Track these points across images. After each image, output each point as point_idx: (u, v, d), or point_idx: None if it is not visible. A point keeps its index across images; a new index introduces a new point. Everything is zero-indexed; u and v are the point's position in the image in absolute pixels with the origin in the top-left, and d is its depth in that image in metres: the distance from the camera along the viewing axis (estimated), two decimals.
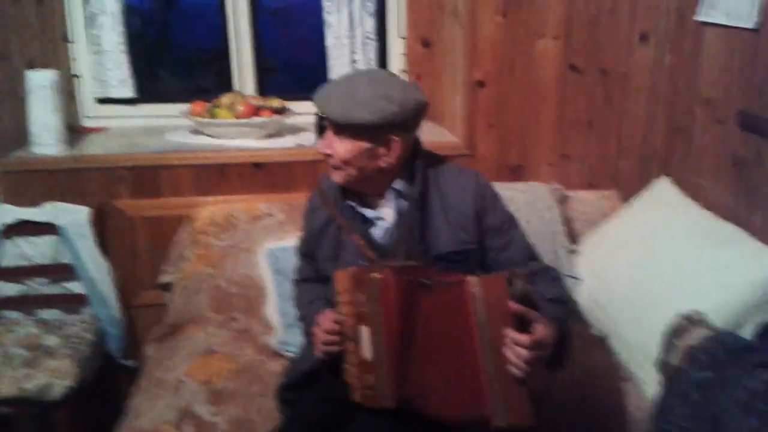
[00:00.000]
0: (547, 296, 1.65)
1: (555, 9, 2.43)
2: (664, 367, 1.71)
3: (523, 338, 1.42)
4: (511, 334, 1.43)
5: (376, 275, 1.52)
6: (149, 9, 3.99)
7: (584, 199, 2.53)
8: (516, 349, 1.43)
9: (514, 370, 1.44)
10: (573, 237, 2.46)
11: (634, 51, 2.50)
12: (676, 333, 1.71)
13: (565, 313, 1.68)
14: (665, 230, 2.13)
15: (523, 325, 1.45)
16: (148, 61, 3.69)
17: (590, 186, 2.61)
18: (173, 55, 3.84)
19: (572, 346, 1.60)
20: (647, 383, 1.90)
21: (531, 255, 1.79)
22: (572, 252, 2.38)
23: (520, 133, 2.53)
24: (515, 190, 2.39)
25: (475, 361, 1.47)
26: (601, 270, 2.25)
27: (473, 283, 1.45)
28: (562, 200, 2.48)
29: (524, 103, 2.50)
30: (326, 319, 1.65)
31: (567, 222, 2.46)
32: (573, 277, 2.30)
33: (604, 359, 2.06)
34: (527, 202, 2.37)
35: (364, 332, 1.54)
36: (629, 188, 2.56)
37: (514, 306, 1.43)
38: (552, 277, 1.76)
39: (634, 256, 2.15)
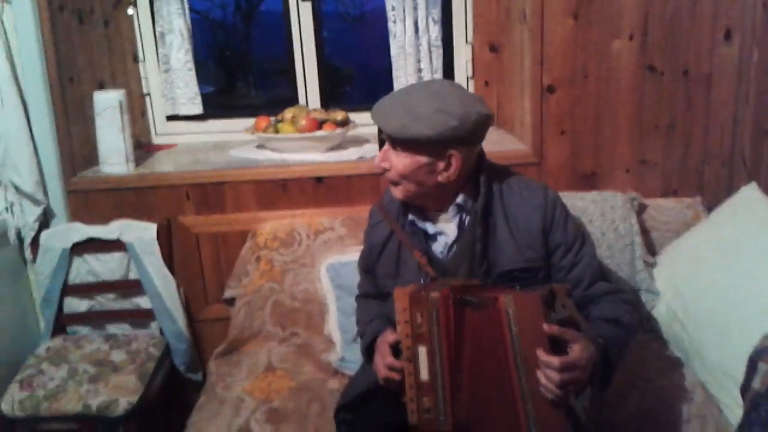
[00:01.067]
0: (606, 316, 1.56)
1: (630, 8, 2.29)
2: (747, 392, 1.57)
3: (554, 360, 1.36)
4: (542, 355, 1.38)
5: (434, 295, 1.47)
6: (231, 23, 4.05)
7: (664, 208, 2.36)
8: (547, 371, 1.37)
9: (546, 392, 1.38)
10: (652, 248, 2.31)
11: (718, 49, 2.33)
12: (761, 355, 1.57)
13: (622, 334, 1.58)
14: (752, 241, 1.96)
15: (561, 345, 1.39)
16: (225, 75, 3.75)
17: (672, 193, 2.44)
18: (251, 68, 3.88)
19: (617, 366, 1.52)
20: (730, 408, 1.75)
21: (601, 275, 1.69)
22: (651, 265, 2.22)
23: (594, 139, 2.39)
24: (588, 201, 2.25)
25: (511, 380, 1.42)
26: (681, 284, 2.09)
27: (506, 300, 1.40)
28: (640, 209, 2.32)
29: (598, 108, 2.36)
30: (386, 346, 1.60)
31: (645, 232, 2.31)
32: (651, 292, 2.16)
33: (681, 381, 1.91)
34: (601, 212, 2.23)
35: (422, 353, 1.50)
36: (714, 196, 2.39)
37: (547, 327, 1.37)
38: (622, 299, 1.64)
39: (718, 269, 1.99)
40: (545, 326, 1.37)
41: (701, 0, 2.29)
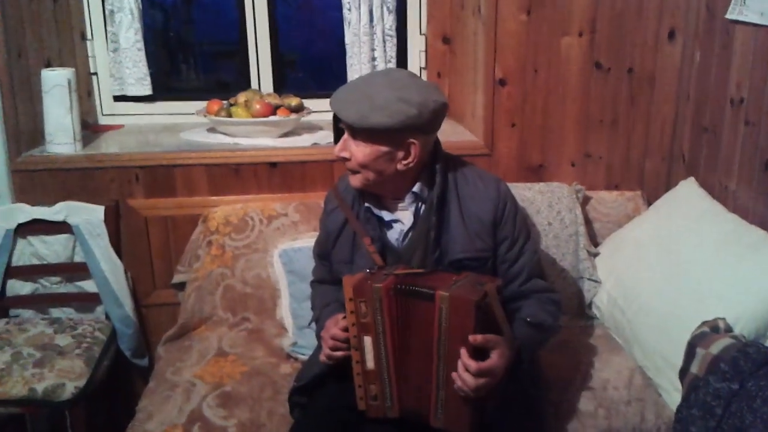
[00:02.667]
0: (530, 318, 1.63)
1: (581, 5, 2.36)
2: (685, 376, 1.66)
3: (471, 364, 1.42)
4: (464, 356, 1.43)
5: (377, 285, 1.50)
6: (172, 4, 3.95)
7: (607, 200, 2.46)
8: (463, 374, 1.43)
9: (459, 390, 1.45)
10: (594, 239, 2.40)
11: (662, 49, 2.43)
12: (699, 341, 1.66)
13: (540, 337, 1.67)
14: (690, 233, 2.06)
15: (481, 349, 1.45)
16: (168, 55, 3.67)
17: (614, 187, 2.53)
18: (194, 48, 3.80)
19: (525, 362, 1.59)
20: (668, 392, 1.84)
21: (538, 273, 1.76)
22: (593, 254, 2.31)
23: (542, 132, 2.46)
24: (536, 191, 2.32)
25: (430, 362, 1.48)
26: (622, 273, 2.18)
27: (442, 297, 1.44)
28: (585, 201, 2.41)
29: (547, 102, 2.43)
30: (335, 325, 1.62)
31: (588, 223, 2.39)
32: (593, 281, 2.24)
33: (621, 365, 1.99)
34: (548, 202, 2.30)
35: (367, 342, 1.54)
36: (654, 190, 2.50)
37: (473, 338, 1.42)
38: (550, 299, 1.72)
39: (657, 259, 2.08)
40: (471, 337, 1.42)
41: (647, 0, 2.38)
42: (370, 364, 1.52)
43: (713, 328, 1.69)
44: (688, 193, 2.25)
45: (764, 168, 1.96)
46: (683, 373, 1.66)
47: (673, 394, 1.79)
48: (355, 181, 1.67)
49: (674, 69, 2.43)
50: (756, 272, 1.77)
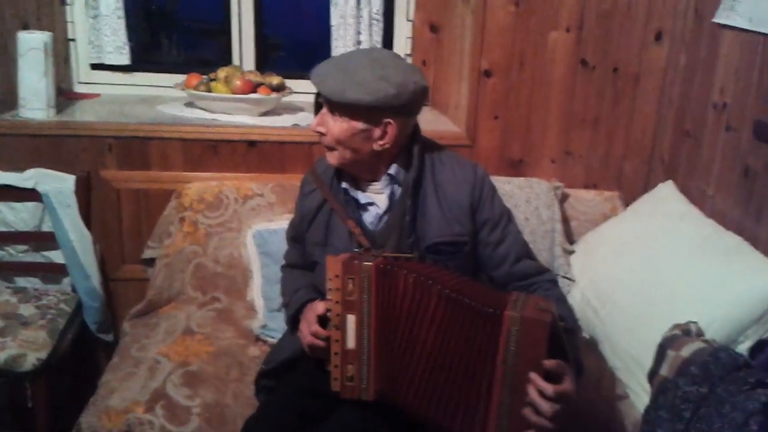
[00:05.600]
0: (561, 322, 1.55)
1: (569, 1, 2.34)
2: (654, 377, 1.66)
3: (549, 388, 1.34)
4: (538, 381, 1.35)
5: (367, 263, 1.47)
6: None
7: (585, 199, 2.46)
8: (536, 398, 1.34)
9: (529, 415, 1.36)
10: (570, 237, 2.40)
11: (648, 50, 2.42)
12: (670, 343, 1.66)
13: (579, 346, 1.61)
14: (667, 236, 2.07)
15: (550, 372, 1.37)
16: (149, 28, 3.60)
17: (592, 186, 2.53)
18: (176, 24, 3.73)
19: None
20: (637, 393, 1.84)
21: (526, 253, 1.74)
22: (569, 252, 2.31)
23: (525, 126, 2.45)
24: (515, 186, 2.32)
25: (491, 390, 1.39)
26: (596, 273, 2.18)
27: (513, 321, 1.35)
28: (563, 198, 2.41)
29: (531, 96, 2.42)
30: (313, 314, 1.59)
31: (565, 221, 2.39)
32: (567, 278, 2.24)
33: (591, 364, 1.99)
34: (526, 198, 2.30)
35: (351, 321, 1.50)
36: (632, 191, 2.50)
37: (551, 363, 1.35)
38: (549, 280, 1.71)
39: (632, 260, 2.08)
40: (546, 362, 1.35)
41: (636, 0, 2.37)
42: (351, 343, 1.49)
43: (685, 331, 1.69)
44: (666, 195, 2.26)
45: (743, 174, 1.97)
46: (652, 374, 1.67)
47: (641, 396, 1.80)
48: (332, 158, 1.65)
49: (659, 71, 2.43)
50: (730, 277, 1.77)
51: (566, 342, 1.42)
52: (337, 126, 1.59)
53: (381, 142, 1.60)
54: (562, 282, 2.24)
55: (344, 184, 1.70)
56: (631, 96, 2.47)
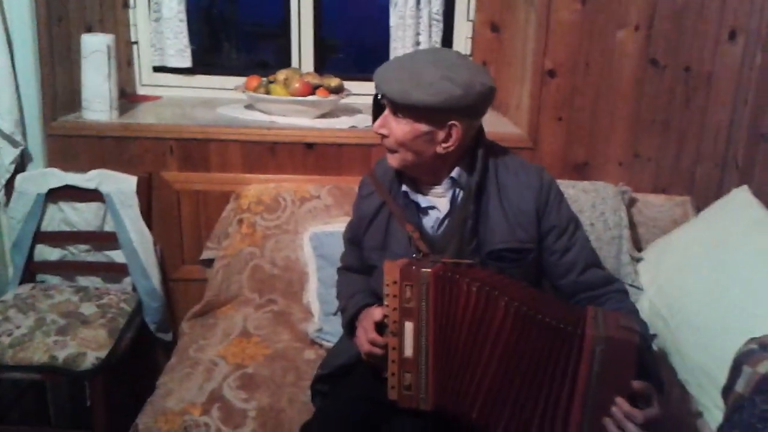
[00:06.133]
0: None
1: None
2: (729, 394, 1.56)
3: (637, 415, 1.28)
4: (624, 406, 1.29)
5: (425, 270, 1.42)
6: None
7: (654, 204, 2.35)
8: (623, 423, 1.29)
9: None
10: (638, 243, 2.30)
11: (721, 49, 2.31)
12: (746, 358, 1.55)
13: (659, 364, 1.55)
14: (741, 244, 1.95)
15: (635, 395, 1.31)
16: (211, 31, 3.64)
17: (662, 190, 2.42)
18: (237, 27, 3.76)
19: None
20: (710, 410, 1.74)
21: (594, 262, 1.67)
22: (637, 259, 2.22)
23: (590, 128, 2.37)
24: (579, 190, 2.23)
25: (569, 411, 1.33)
26: (666, 282, 2.08)
27: (596, 341, 1.29)
28: (630, 203, 2.31)
29: (597, 97, 2.34)
30: (370, 321, 1.56)
31: (633, 227, 2.30)
32: (635, 287, 2.15)
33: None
34: (592, 202, 2.21)
35: (408, 328, 1.46)
36: (704, 196, 2.38)
37: (639, 385, 1.29)
38: (619, 290, 1.63)
39: (704, 269, 1.97)
40: (635, 383, 1.30)
41: None
42: (408, 351, 1.45)
43: (762, 346, 1.58)
44: (740, 201, 2.13)
45: None
46: (727, 391, 1.56)
47: (714, 412, 1.70)
48: (393, 160, 1.60)
49: (733, 71, 2.32)
50: None
51: (651, 361, 1.34)
52: (400, 128, 1.54)
53: (445, 145, 1.55)
54: (629, 290, 2.15)
55: (404, 187, 1.66)
56: (704, 97, 2.35)
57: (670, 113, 2.36)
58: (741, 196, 2.15)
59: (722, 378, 1.59)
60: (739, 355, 1.57)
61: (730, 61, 2.31)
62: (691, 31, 2.29)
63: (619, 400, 1.28)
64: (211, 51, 3.54)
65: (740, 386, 1.51)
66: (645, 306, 2.09)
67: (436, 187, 1.65)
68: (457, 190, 1.63)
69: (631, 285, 2.14)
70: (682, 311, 1.94)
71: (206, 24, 3.63)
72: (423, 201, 1.66)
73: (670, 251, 2.16)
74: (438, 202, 1.65)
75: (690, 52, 2.31)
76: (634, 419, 1.27)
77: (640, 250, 2.27)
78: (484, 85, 1.53)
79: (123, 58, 2.62)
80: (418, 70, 1.50)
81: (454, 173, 1.61)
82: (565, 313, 1.36)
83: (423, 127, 1.53)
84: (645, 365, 1.33)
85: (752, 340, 1.60)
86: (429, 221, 1.66)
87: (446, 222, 1.64)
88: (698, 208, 2.33)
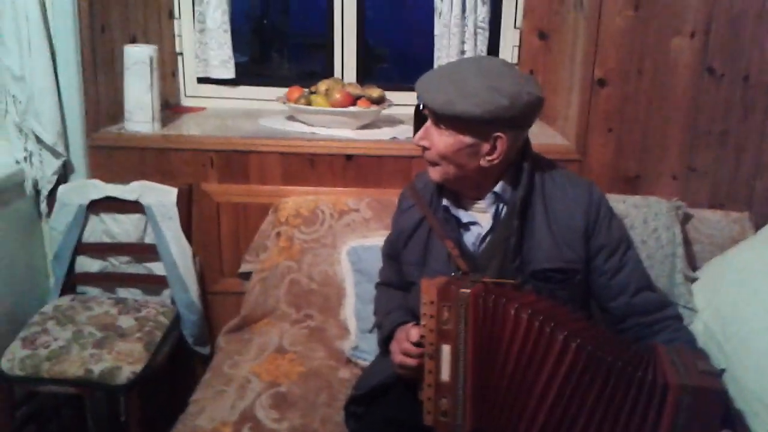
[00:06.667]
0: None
1: (695, 4, 2.14)
2: None
3: None
4: None
5: (464, 290, 1.36)
6: None
7: (710, 220, 2.22)
8: None
9: None
10: (693, 262, 2.17)
11: None
12: None
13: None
14: None
15: None
16: (262, 42, 3.67)
17: (719, 206, 2.29)
18: (284, 38, 3.78)
19: None
20: None
21: (647, 284, 1.58)
22: (691, 279, 2.10)
23: (642, 140, 2.26)
24: (630, 205, 2.13)
25: None
26: (722, 303, 1.96)
27: (683, 390, 1.24)
28: (685, 219, 2.19)
29: (650, 107, 2.23)
30: (406, 337, 1.50)
31: (688, 244, 2.17)
32: (689, 309, 2.03)
33: None
34: (643, 218, 2.11)
35: (445, 351, 1.39)
36: (764, 212, 2.25)
37: None
38: (674, 317, 1.55)
39: (763, 290, 1.85)
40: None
41: None
42: (446, 375, 1.39)
43: None
44: None
45: None
46: None
47: None
48: (435, 173, 1.55)
49: None
50: None
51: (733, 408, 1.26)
52: (443, 140, 1.49)
53: (489, 158, 1.49)
54: (682, 312, 2.04)
55: (445, 201, 1.60)
56: (764, 107, 2.22)
57: (727, 124, 2.23)
58: None
59: None
60: None
61: None
62: (749, 38, 2.16)
63: None
64: (261, 62, 3.56)
65: None
66: (699, 329, 1.97)
67: (478, 201, 1.59)
68: (501, 205, 1.57)
69: (684, 306, 2.02)
70: (739, 335, 1.82)
71: (256, 35, 3.65)
72: (464, 216, 1.59)
73: (727, 270, 2.03)
74: (480, 217, 1.59)
75: (749, 60, 2.18)
76: None
77: (695, 269, 2.14)
78: (531, 94, 1.46)
79: (167, 69, 2.63)
80: (462, 80, 1.44)
81: (498, 188, 1.55)
82: (633, 354, 1.29)
83: (467, 139, 1.47)
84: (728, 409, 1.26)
85: None
86: (470, 237, 1.60)
87: (488, 239, 1.58)
88: (757, 225, 2.19)
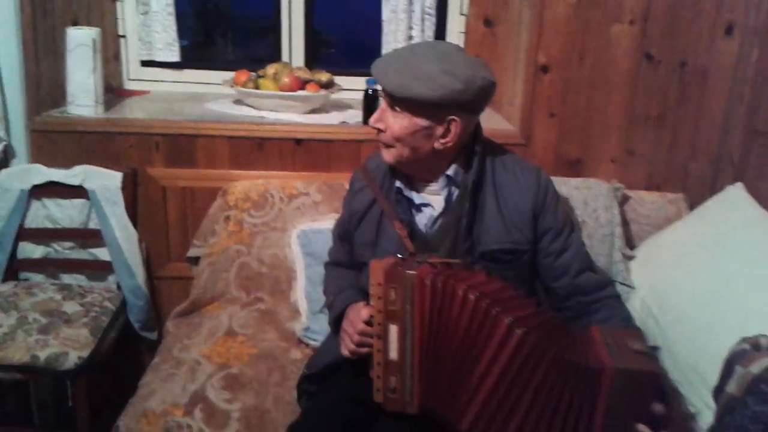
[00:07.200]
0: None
1: None
2: (720, 395, 1.53)
3: None
4: None
5: (410, 272, 1.39)
6: None
7: (647, 201, 2.32)
8: None
9: None
10: (631, 241, 2.26)
11: (717, 44, 2.27)
12: (738, 359, 1.52)
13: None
14: (735, 242, 1.92)
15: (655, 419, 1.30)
16: (202, 26, 3.61)
17: (655, 187, 2.39)
18: (229, 21, 3.73)
19: None
20: (700, 410, 1.72)
21: (589, 265, 1.65)
22: (629, 257, 2.18)
23: (583, 124, 2.33)
24: (572, 187, 2.20)
25: None
26: (658, 280, 2.05)
27: (619, 373, 1.28)
28: (623, 200, 2.28)
29: (591, 93, 2.30)
30: (358, 317, 1.53)
31: (626, 224, 2.26)
32: (626, 285, 2.12)
33: None
34: (584, 199, 2.18)
35: (393, 331, 1.43)
36: (698, 193, 2.34)
37: (659, 408, 1.29)
38: (613, 296, 1.62)
39: (697, 267, 1.95)
40: (656, 408, 1.29)
41: None
42: (394, 354, 1.42)
43: (754, 346, 1.55)
44: (735, 198, 2.11)
45: None
46: (718, 391, 1.54)
47: (704, 413, 1.68)
48: (389, 155, 1.57)
49: (729, 66, 2.28)
50: None
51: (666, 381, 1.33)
52: (398, 122, 1.51)
53: (443, 141, 1.52)
54: (620, 289, 2.12)
55: (398, 183, 1.63)
56: (699, 92, 2.32)
57: (664, 109, 2.33)
58: (735, 194, 2.13)
59: (714, 378, 1.57)
60: (731, 355, 1.55)
61: (726, 56, 2.28)
62: (686, 26, 2.26)
63: (642, 427, 1.28)
64: (204, 46, 3.51)
65: (732, 387, 1.49)
66: (636, 305, 2.06)
67: (431, 184, 1.62)
68: (453, 188, 1.61)
69: (622, 283, 2.11)
70: (674, 310, 1.91)
71: (200, 19, 3.60)
72: (417, 198, 1.63)
73: (662, 249, 2.13)
74: (433, 199, 1.63)
75: (685, 47, 2.28)
76: None
77: (632, 248, 2.23)
78: (485, 79, 1.50)
79: (110, 52, 2.57)
80: (418, 64, 1.47)
81: (451, 171, 1.59)
82: (573, 341, 1.33)
83: (421, 122, 1.50)
84: (663, 387, 1.34)
85: (744, 339, 1.58)
86: (423, 219, 1.64)
87: (440, 220, 1.62)
88: (692, 206, 2.30)
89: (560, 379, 1.29)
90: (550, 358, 1.29)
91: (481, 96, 1.51)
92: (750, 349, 1.55)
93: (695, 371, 1.76)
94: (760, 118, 2.14)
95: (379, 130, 1.55)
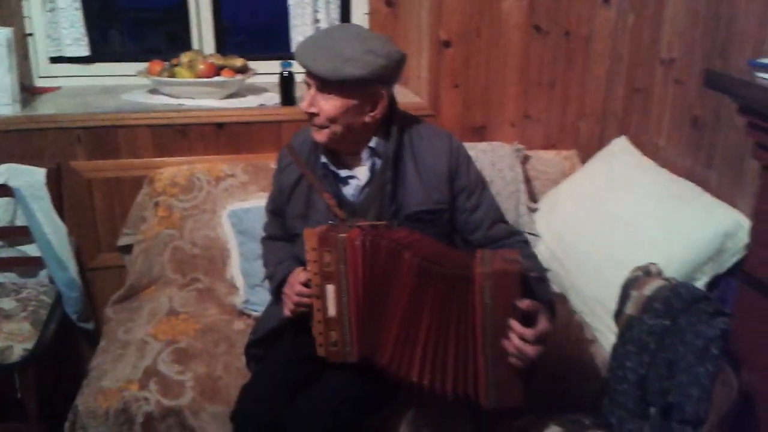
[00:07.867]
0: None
1: None
2: (620, 317, 1.75)
3: (528, 333, 1.41)
4: (517, 327, 1.41)
5: (342, 235, 1.53)
6: None
7: (545, 159, 2.56)
8: (519, 343, 1.41)
9: (515, 361, 1.42)
10: (533, 195, 2.50)
11: (597, 12, 2.52)
12: (632, 284, 1.74)
13: (550, 291, 1.67)
14: (623, 187, 2.17)
15: (526, 316, 1.43)
16: (100, 20, 3.58)
17: (551, 146, 2.63)
18: (123, 15, 3.70)
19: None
20: (604, 334, 1.95)
21: (500, 218, 1.81)
22: (533, 210, 2.41)
23: (484, 93, 2.54)
24: (479, 150, 2.40)
25: (475, 343, 1.45)
26: (560, 227, 2.29)
27: (484, 276, 1.41)
28: (524, 160, 2.50)
29: (489, 64, 2.51)
30: (296, 280, 1.65)
31: (528, 181, 2.49)
32: (533, 235, 2.34)
33: (561, 311, 2.09)
34: (490, 161, 2.39)
35: (330, 290, 1.57)
36: (589, 148, 2.59)
37: (524, 303, 1.41)
38: (520, 241, 1.78)
39: (592, 212, 2.19)
40: (521, 303, 1.41)
41: None
42: (332, 311, 1.56)
43: (645, 272, 1.78)
44: (620, 150, 2.36)
45: (692, 124, 2.08)
46: (618, 314, 1.76)
47: (608, 336, 1.90)
48: (322, 136, 1.67)
49: (608, 32, 2.52)
50: (684, 220, 1.89)
51: (536, 286, 1.49)
52: (330, 104, 1.61)
53: (372, 114, 1.64)
54: (530, 238, 2.33)
55: (324, 159, 1.73)
56: (583, 58, 2.56)
57: (554, 75, 2.56)
58: (620, 146, 2.38)
59: (613, 304, 1.79)
60: (627, 282, 1.77)
61: (606, 23, 2.52)
62: None
63: (512, 322, 1.41)
64: (104, 39, 3.48)
65: (629, 308, 1.70)
66: (543, 251, 2.28)
67: (355, 157, 1.74)
68: (376, 159, 1.72)
69: (529, 233, 2.32)
70: (575, 252, 2.14)
71: (97, 12, 3.56)
72: (343, 172, 1.74)
73: (561, 200, 2.36)
74: (358, 171, 1.74)
75: (569, 18, 2.51)
76: (526, 337, 1.41)
77: (535, 201, 2.47)
78: (399, 53, 1.64)
79: (19, 50, 2.55)
80: (340, 47, 1.57)
81: (373, 143, 1.70)
82: (458, 261, 1.48)
83: (352, 101, 1.61)
84: (534, 293, 1.47)
85: (637, 268, 1.80)
86: (350, 190, 1.75)
87: (366, 189, 1.73)
88: (583, 160, 2.55)
89: (447, 293, 1.45)
90: (436, 273, 1.45)
91: (398, 69, 1.65)
92: (642, 275, 1.76)
93: (598, 301, 1.99)
94: (638, 77, 2.39)
95: (312, 114, 1.65)
